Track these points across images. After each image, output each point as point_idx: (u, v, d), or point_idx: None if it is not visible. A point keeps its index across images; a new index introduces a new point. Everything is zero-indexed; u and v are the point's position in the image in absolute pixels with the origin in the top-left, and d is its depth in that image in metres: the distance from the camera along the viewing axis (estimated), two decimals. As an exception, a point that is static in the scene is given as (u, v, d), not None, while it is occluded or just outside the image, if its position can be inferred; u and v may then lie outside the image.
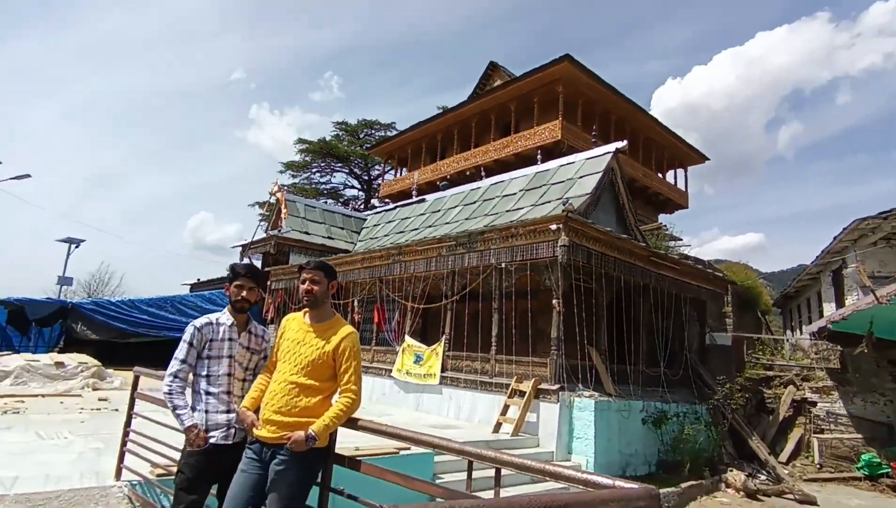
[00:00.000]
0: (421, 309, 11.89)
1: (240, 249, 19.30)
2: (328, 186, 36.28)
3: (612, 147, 13.01)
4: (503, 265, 9.76)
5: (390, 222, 18.72)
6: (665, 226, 19.58)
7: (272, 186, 18.91)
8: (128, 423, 4.75)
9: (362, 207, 34.26)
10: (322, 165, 36.02)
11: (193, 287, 22.87)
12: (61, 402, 8.94)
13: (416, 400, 11.12)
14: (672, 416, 9.52)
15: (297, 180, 35.39)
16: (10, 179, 15.88)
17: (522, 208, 13.34)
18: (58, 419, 7.38)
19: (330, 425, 2.74)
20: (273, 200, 19.92)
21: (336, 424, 2.78)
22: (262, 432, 2.76)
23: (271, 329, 17.35)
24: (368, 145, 33.31)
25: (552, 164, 14.75)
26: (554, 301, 8.92)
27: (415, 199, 19.13)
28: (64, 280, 19.18)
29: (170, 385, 2.90)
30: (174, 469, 4.37)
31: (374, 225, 19.60)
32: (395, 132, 30.88)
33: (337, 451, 2.92)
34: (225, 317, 3.12)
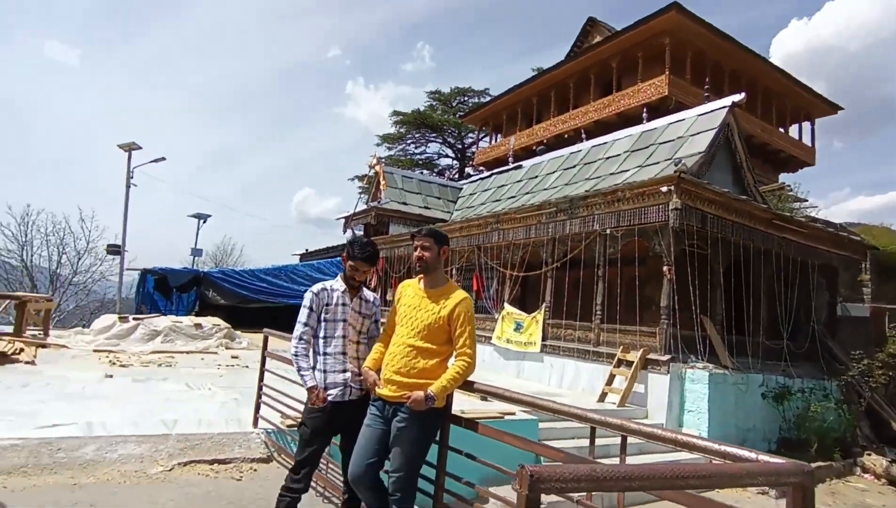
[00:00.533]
0: (520, 277, 11.85)
1: (343, 221, 20.25)
2: (423, 157, 36.86)
3: (727, 101, 11.91)
4: (608, 231, 9.41)
5: (486, 190, 18.68)
6: (788, 186, 17.75)
7: (371, 159, 19.54)
8: (261, 378, 5.26)
9: (456, 176, 34.46)
10: (416, 135, 36.53)
11: (303, 257, 24.34)
12: (202, 359, 10.06)
13: (517, 367, 11.21)
14: (796, 392, 8.81)
15: (392, 152, 36.27)
16: (149, 162, 17.79)
17: (627, 171, 12.70)
18: (201, 373, 8.34)
19: (447, 386, 2.85)
20: (372, 173, 20.58)
21: (453, 386, 2.87)
22: (383, 391, 2.93)
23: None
24: (462, 113, 33.20)
25: (659, 122, 13.83)
26: (664, 268, 8.49)
27: (511, 166, 18.88)
28: (196, 252, 21.46)
29: (296, 348, 3.13)
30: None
31: (470, 194, 19.66)
32: (488, 98, 30.47)
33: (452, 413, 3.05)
34: (338, 284, 3.30)
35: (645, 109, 17.40)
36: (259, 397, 5.19)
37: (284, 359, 5.14)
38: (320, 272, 19.12)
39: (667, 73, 18.28)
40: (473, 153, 36.81)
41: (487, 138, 28.49)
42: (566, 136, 21.98)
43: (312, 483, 3.66)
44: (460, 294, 3.00)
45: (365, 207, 19.20)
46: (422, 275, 3.14)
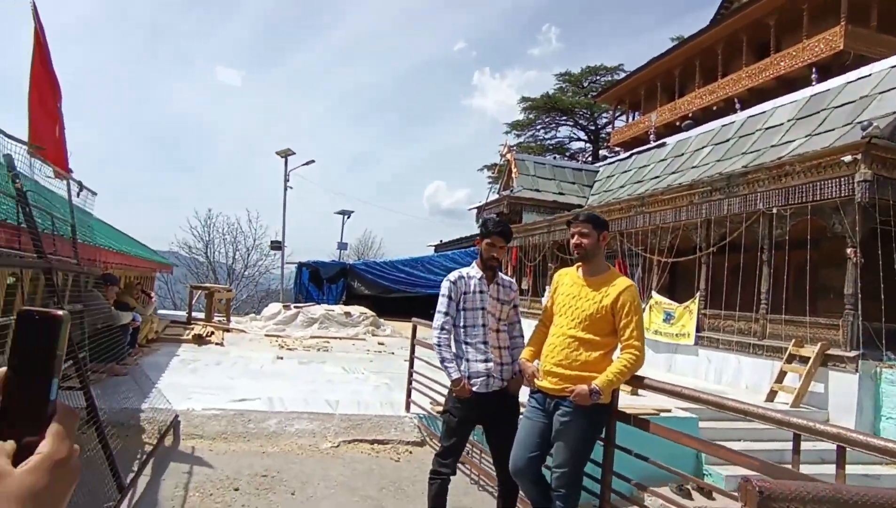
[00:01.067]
0: (669, 263, 11.03)
1: (475, 211, 20.47)
2: (553, 142, 35.95)
3: (931, 47, 9.87)
4: (774, 210, 8.35)
5: (626, 171, 17.65)
6: None
7: (501, 147, 19.47)
8: (411, 365, 5.50)
9: (590, 158, 33.11)
10: (546, 120, 35.71)
11: (437, 248, 25.13)
12: (353, 344, 10.84)
13: (667, 361, 10.48)
14: None
15: (521, 139, 35.87)
16: (301, 165, 19.56)
17: (793, 142, 11.16)
18: (354, 358, 8.99)
19: (613, 380, 2.69)
20: (503, 161, 20.49)
21: (619, 380, 2.72)
22: (543, 383, 2.86)
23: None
24: (594, 93, 31.73)
25: (833, 82, 11.92)
26: (848, 250, 7.32)
27: (653, 144, 17.63)
28: (341, 246, 23.25)
29: (438, 338, 3.12)
30: None
31: (608, 177, 18.72)
32: (623, 75, 28.74)
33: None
34: (474, 271, 3.23)
35: (814, 70, 15.14)
36: (410, 383, 5.44)
37: (429, 345, 5.33)
38: (455, 263, 19.58)
39: (842, 23, 15.69)
40: (608, 135, 35.08)
41: (623, 117, 26.92)
42: (715, 108, 19.96)
43: (467, 470, 3.74)
44: (624, 282, 2.82)
45: (497, 196, 19.20)
46: (580, 263, 3.00)
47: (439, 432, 5.01)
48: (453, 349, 3.12)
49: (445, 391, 5.03)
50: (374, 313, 13.59)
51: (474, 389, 3.02)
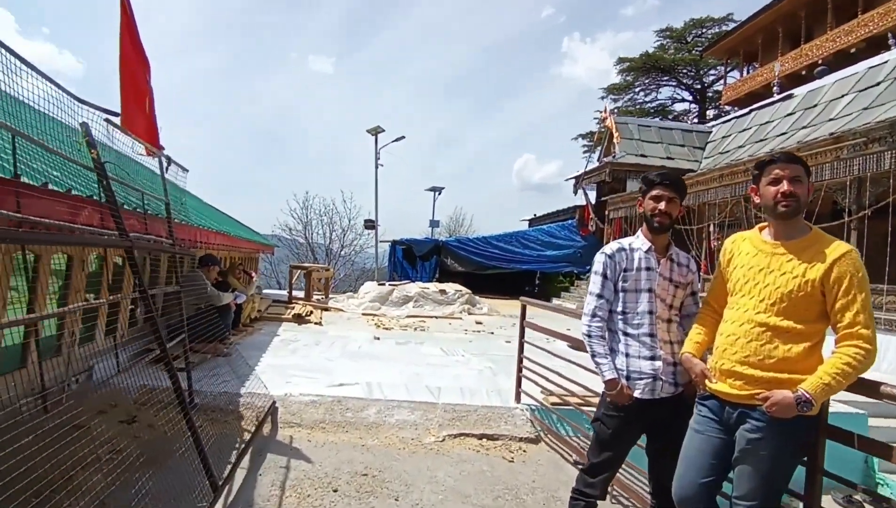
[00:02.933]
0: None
1: (572, 182, 19.30)
2: (654, 104, 33.22)
3: None
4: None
5: (744, 130, 15.65)
6: None
7: (600, 112, 18.04)
8: (520, 350, 4.89)
9: (696, 120, 30.21)
10: (645, 81, 33.03)
11: (531, 222, 24.17)
12: (449, 324, 10.44)
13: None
14: None
15: (619, 104, 33.49)
16: (392, 141, 19.45)
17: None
18: (452, 338, 8.57)
19: (831, 385, 1.90)
20: (602, 127, 19.05)
21: (841, 385, 1.92)
22: (719, 386, 2.12)
23: None
24: (700, 48, 28.76)
25: None
26: None
27: (776, 97, 15.43)
28: (433, 223, 23.00)
29: (588, 326, 2.45)
30: (569, 400, 4.39)
31: (723, 137, 16.75)
32: (733, 24, 25.66)
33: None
34: (639, 241, 2.50)
35: None
36: (519, 370, 4.84)
37: (543, 329, 4.68)
38: (551, 236, 18.66)
39: None
40: (716, 93, 31.81)
41: (736, 72, 24.07)
42: (853, 50, 17.14)
43: (610, 489, 3.07)
44: (841, 246, 2.00)
45: (597, 164, 17.92)
46: (766, 224, 2.20)
47: (556, 427, 4.42)
48: (608, 342, 2.44)
49: (562, 381, 4.40)
50: (469, 291, 13.10)
51: (636, 394, 2.34)
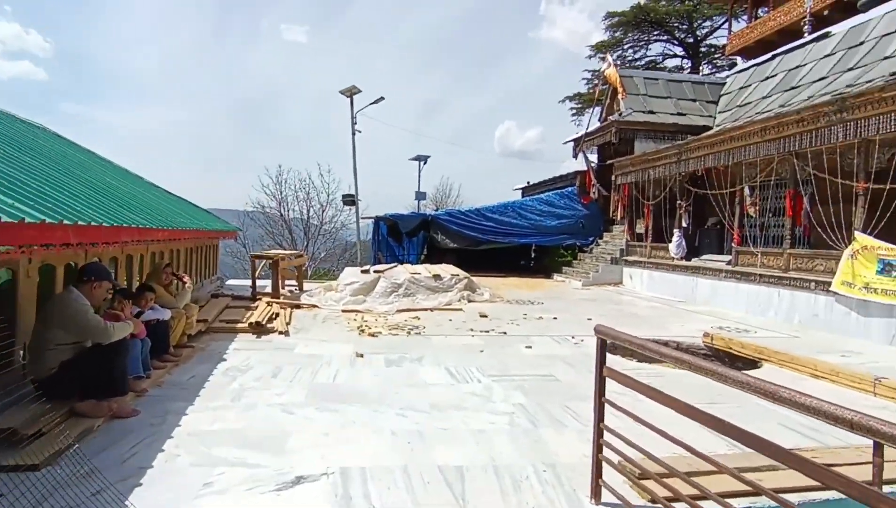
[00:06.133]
0: (885, 192, 7.52)
1: (571, 144, 17.29)
2: (644, 61, 30.90)
3: None
4: None
5: (769, 77, 13.62)
6: None
7: (603, 64, 15.84)
8: (600, 414, 2.82)
9: (691, 77, 28.08)
10: (635, 38, 30.65)
11: (525, 191, 22.33)
12: (449, 320, 8.49)
13: (887, 329, 7.23)
14: None
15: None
16: (370, 104, 17.09)
17: None
18: (457, 346, 6.61)
19: None
20: (602, 84, 16.87)
21: None
22: None
23: (618, 229, 15.11)
24: (696, -2, 26.40)
25: None
26: None
27: (807, 38, 13.35)
28: (420, 195, 20.93)
29: None
30: (698, 486, 2.40)
31: (740, 88, 14.74)
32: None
33: None
34: None
35: None
36: (599, 450, 2.79)
37: (633, 383, 2.64)
38: (550, 206, 16.77)
39: None
40: (711, 47, 29.67)
41: (747, 16, 21.78)
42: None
43: None
44: None
45: (599, 123, 15.86)
46: None
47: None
48: None
49: (658, 455, 2.45)
50: (467, 275, 11.18)
51: None
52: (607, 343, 2.84)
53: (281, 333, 6.92)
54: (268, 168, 25.89)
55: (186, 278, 5.77)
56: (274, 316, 7.75)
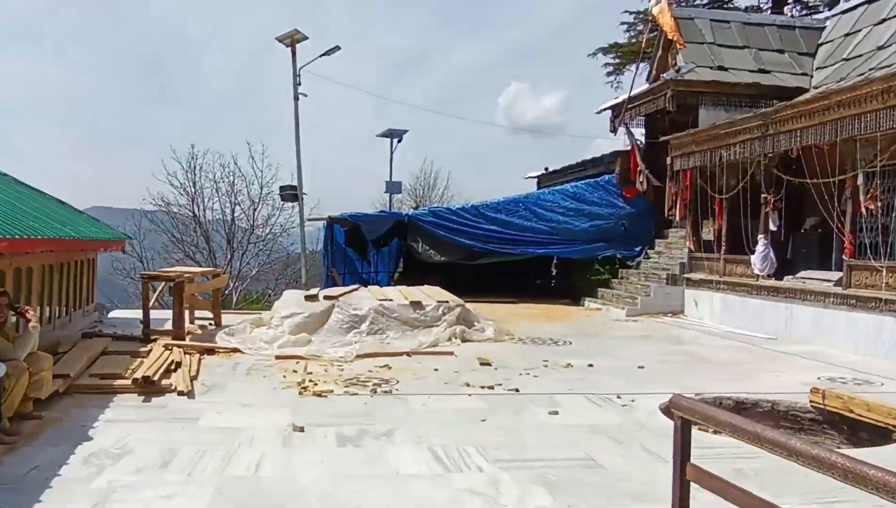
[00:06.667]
0: None
1: (608, 114, 17.22)
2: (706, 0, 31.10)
3: None
4: None
5: (886, 19, 13.60)
6: None
7: (652, 2, 15.70)
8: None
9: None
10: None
11: (542, 181, 22.32)
12: (435, 369, 8.33)
13: None
14: None
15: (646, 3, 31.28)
16: (321, 56, 16.93)
17: None
18: (446, 411, 6.39)
19: None
20: (652, 33, 16.74)
21: None
22: None
23: (676, 233, 14.96)
24: None
25: None
26: None
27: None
28: (392, 186, 20.51)
29: None
30: None
31: (847, 34, 14.76)
32: None
33: None
34: None
35: None
36: None
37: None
38: (578, 201, 16.87)
39: None
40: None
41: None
42: None
43: None
44: None
45: (647, 85, 15.83)
46: None
47: None
48: None
49: None
50: (461, 302, 11.17)
51: None
52: (691, 426, 2.46)
53: (181, 393, 6.63)
54: (176, 149, 25.53)
55: (31, 315, 5.36)
56: (173, 367, 7.50)
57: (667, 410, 2.67)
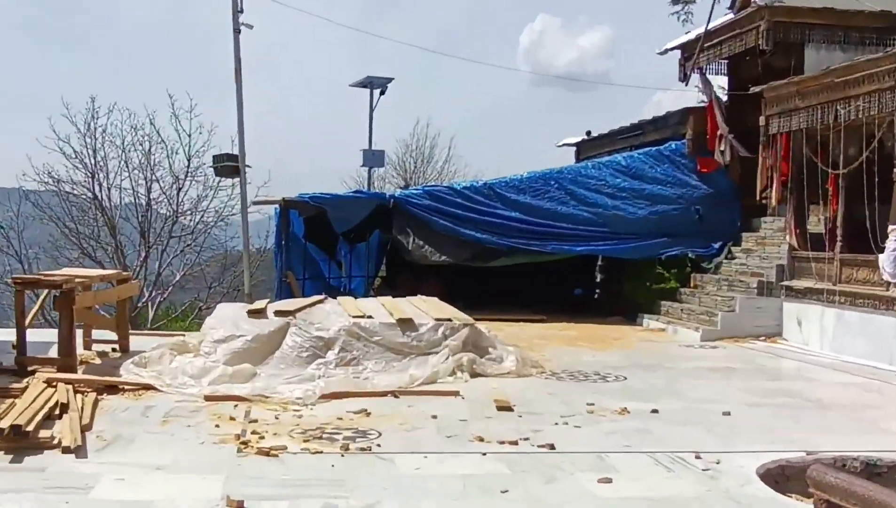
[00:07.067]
0: None
1: (677, 56, 17.34)
2: None
3: None
4: None
5: None
6: None
7: None
8: None
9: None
10: None
11: (582, 149, 22.46)
12: (434, 416, 8.44)
13: None
14: None
15: None
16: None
17: None
18: (450, 478, 6.30)
19: None
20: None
21: None
22: None
23: (773, 224, 14.99)
24: None
25: None
26: None
27: None
28: (372, 158, 20.44)
29: None
30: None
31: None
32: None
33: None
34: None
35: None
36: None
37: None
38: (633, 177, 17.36)
39: None
40: None
41: None
42: None
43: None
44: None
45: (731, 15, 16.12)
46: None
47: None
48: None
49: None
50: (467, 319, 11.38)
51: None
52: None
53: (68, 450, 6.64)
54: (69, 104, 25.55)
55: None
56: (57, 411, 7.60)
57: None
